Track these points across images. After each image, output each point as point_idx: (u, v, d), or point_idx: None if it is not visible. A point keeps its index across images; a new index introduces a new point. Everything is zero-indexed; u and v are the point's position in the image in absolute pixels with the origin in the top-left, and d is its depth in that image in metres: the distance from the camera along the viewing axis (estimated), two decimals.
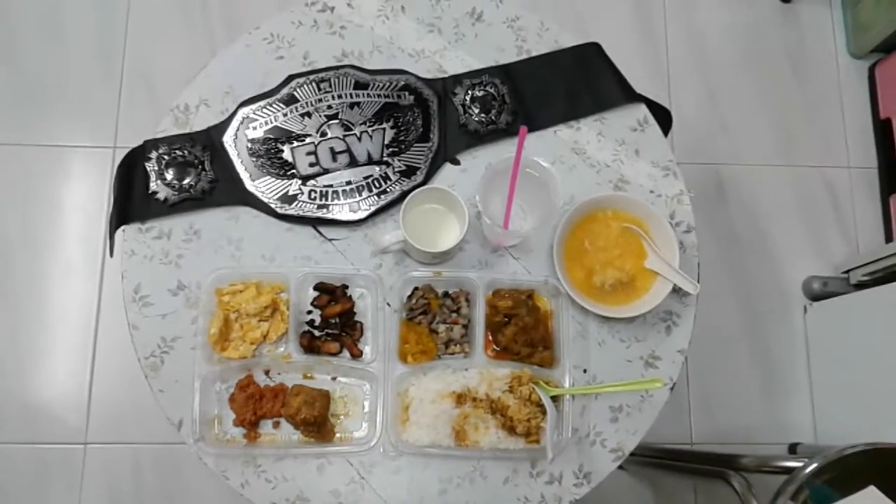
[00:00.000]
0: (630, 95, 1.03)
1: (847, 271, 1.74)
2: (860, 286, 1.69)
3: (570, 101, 1.02)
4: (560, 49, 1.05)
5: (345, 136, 0.99)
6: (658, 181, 1.01)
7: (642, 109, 1.03)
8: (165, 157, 0.97)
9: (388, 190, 0.98)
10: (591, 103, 1.03)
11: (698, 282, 0.94)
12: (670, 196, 1.01)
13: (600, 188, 1.00)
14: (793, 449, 1.65)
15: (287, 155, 0.99)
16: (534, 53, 1.04)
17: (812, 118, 1.89)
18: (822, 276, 1.75)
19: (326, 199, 0.97)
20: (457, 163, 1.01)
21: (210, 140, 0.99)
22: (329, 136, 0.99)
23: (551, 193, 0.88)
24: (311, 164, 0.98)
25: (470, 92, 1.01)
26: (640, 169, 1.01)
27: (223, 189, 0.98)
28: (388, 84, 1.01)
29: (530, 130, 1.00)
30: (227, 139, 0.99)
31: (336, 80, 1.01)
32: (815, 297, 1.75)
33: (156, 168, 0.97)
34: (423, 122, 1.00)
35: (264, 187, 0.98)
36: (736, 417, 1.70)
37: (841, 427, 1.61)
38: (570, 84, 1.03)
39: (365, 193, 0.98)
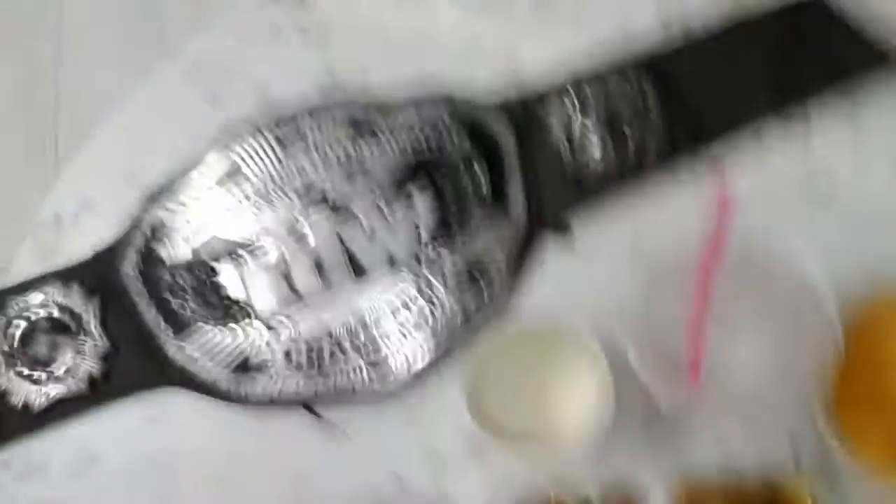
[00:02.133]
0: None
1: None
2: None
3: (779, 68, 0.51)
4: (752, 18, 0.52)
5: (339, 229, 0.51)
6: None
7: None
8: (20, 325, 0.52)
9: (437, 316, 0.49)
10: (820, 71, 0.51)
11: None
12: None
13: (880, 255, 0.47)
14: None
15: (228, 281, 0.51)
16: (696, 27, 0.53)
17: None
18: None
19: (322, 357, 0.49)
20: (565, 230, 0.51)
21: (100, 276, 0.53)
22: (310, 234, 0.51)
23: (795, 299, 0.38)
24: (284, 295, 0.50)
25: (584, 111, 0.51)
26: None
27: (128, 365, 0.51)
28: (414, 125, 0.53)
29: (704, 145, 0.50)
30: (129, 269, 0.53)
31: (311, 129, 0.53)
32: None
33: (3, 349, 0.52)
34: (491, 177, 0.51)
35: (203, 351, 0.50)
36: None
37: None
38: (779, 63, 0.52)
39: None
